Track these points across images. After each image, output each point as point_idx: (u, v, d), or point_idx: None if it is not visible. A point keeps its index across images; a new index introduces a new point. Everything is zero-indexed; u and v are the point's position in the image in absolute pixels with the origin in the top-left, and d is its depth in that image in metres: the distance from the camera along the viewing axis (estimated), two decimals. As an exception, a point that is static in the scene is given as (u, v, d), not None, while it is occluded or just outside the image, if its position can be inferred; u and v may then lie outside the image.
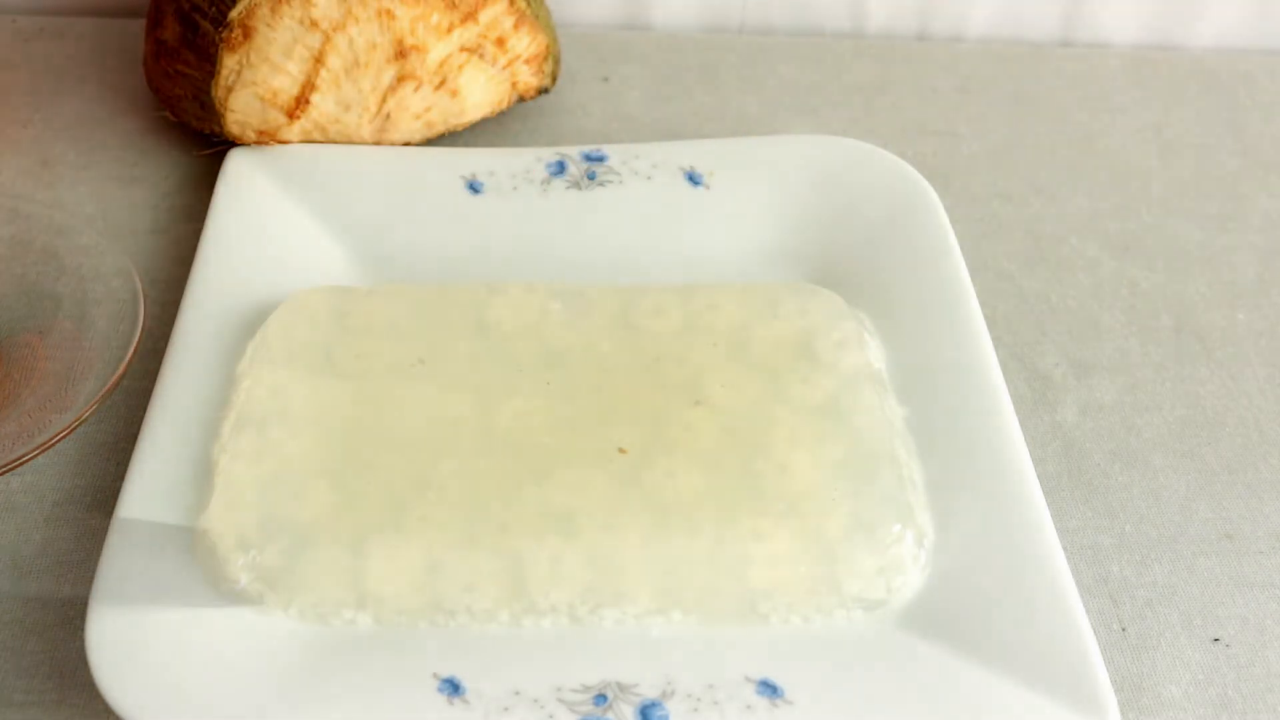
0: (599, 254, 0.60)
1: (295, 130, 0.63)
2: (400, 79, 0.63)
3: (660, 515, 0.48)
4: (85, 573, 0.49)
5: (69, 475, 0.54)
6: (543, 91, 0.68)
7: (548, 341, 0.54)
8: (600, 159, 0.63)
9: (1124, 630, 0.51)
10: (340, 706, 0.44)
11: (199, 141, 0.66)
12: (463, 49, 0.64)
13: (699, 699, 0.45)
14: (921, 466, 0.52)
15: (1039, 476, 0.51)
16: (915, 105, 0.73)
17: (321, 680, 0.45)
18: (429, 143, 0.66)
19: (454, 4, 0.62)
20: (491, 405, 0.52)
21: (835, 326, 0.55)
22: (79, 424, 0.54)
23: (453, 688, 0.45)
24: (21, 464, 0.53)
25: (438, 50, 0.63)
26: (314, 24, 0.60)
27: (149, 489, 0.50)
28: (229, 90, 0.61)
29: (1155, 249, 0.66)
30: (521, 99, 0.68)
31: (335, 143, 0.64)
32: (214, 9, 0.60)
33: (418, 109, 0.64)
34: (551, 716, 0.44)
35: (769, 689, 0.46)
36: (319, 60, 0.61)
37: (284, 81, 0.61)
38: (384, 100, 0.63)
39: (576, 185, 0.62)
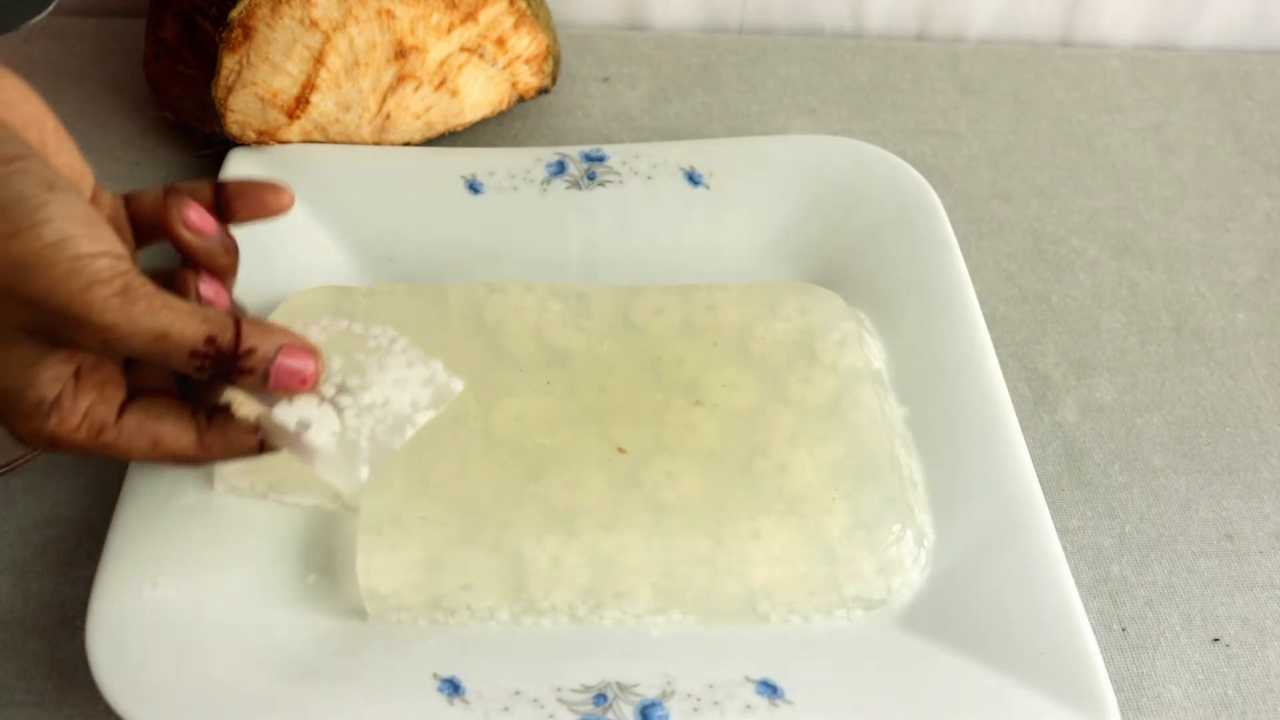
0: (599, 254, 0.60)
1: (295, 130, 0.63)
2: (400, 79, 0.63)
3: (660, 515, 0.48)
4: (85, 573, 0.49)
5: (69, 475, 0.54)
6: (543, 91, 0.68)
7: (548, 341, 0.54)
8: (600, 159, 0.63)
9: (1124, 630, 0.51)
10: (340, 706, 0.44)
11: (199, 141, 0.66)
12: (463, 49, 0.64)
13: (699, 699, 0.45)
14: (921, 466, 0.52)
15: (1039, 476, 0.51)
16: (915, 105, 0.73)
17: (321, 680, 0.45)
18: (429, 143, 0.66)
19: (454, 4, 0.62)
20: (491, 405, 0.52)
21: (835, 326, 0.55)
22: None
23: (453, 688, 0.45)
24: (22, 464, 0.53)
25: (438, 50, 0.63)
26: (314, 24, 0.60)
27: (149, 489, 0.50)
28: (229, 90, 0.61)
29: (1155, 249, 0.66)
30: (521, 99, 0.68)
31: (335, 143, 0.64)
32: (214, 9, 0.60)
33: (418, 109, 0.64)
34: (551, 716, 0.44)
35: (769, 689, 0.46)
36: (319, 60, 0.61)
37: (284, 81, 0.61)
38: (384, 100, 0.63)
39: (576, 185, 0.62)
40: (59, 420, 0.41)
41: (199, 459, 0.43)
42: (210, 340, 0.40)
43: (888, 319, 0.57)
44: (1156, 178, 0.69)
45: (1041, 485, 0.51)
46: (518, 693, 0.45)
